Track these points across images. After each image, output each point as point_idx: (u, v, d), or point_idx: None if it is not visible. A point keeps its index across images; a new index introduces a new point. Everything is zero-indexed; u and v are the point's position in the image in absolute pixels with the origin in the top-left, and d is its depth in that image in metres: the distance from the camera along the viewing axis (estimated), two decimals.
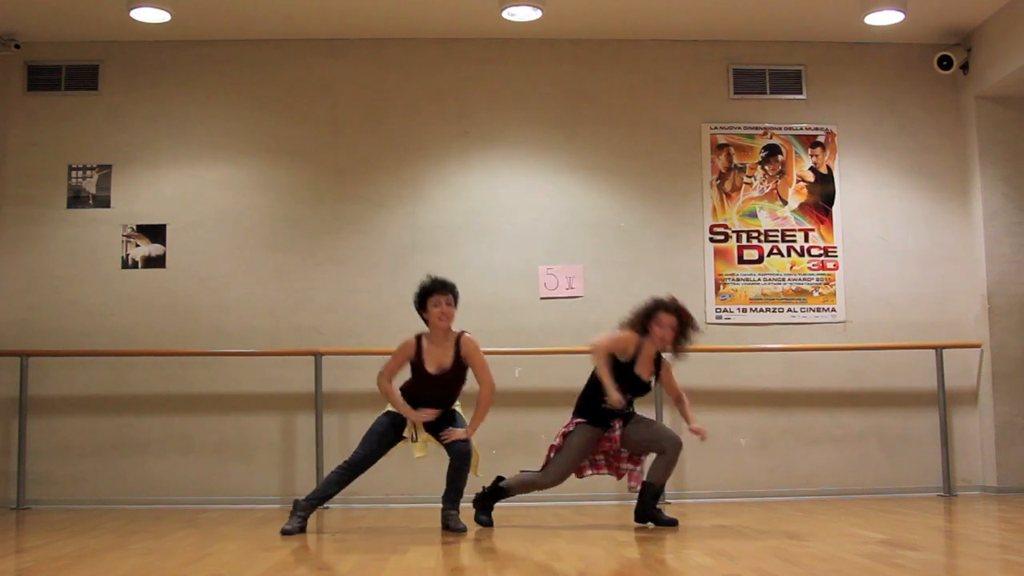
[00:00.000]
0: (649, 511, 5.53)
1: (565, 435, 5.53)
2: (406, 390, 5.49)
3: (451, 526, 5.35)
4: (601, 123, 7.55)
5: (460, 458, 5.38)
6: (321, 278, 7.32)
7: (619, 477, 5.63)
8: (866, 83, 7.69)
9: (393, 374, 5.48)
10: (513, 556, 4.46)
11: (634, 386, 5.54)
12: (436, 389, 5.45)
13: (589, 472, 5.65)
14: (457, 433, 5.37)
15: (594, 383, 5.51)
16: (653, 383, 5.69)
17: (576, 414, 5.57)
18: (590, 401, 5.52)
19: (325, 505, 6.87)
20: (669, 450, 5.50)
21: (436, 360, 5.43)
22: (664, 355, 5.63)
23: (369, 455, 5.42)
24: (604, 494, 6.89)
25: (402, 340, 5.51)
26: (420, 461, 5.56)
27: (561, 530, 5.43)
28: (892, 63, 7.70)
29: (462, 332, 5.49)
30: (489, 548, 4.72)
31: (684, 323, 5.49)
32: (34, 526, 5.87)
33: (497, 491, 5.63)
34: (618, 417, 5.52)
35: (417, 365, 5.45)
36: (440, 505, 5.46)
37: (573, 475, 5.58)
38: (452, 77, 7.56)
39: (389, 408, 5.51)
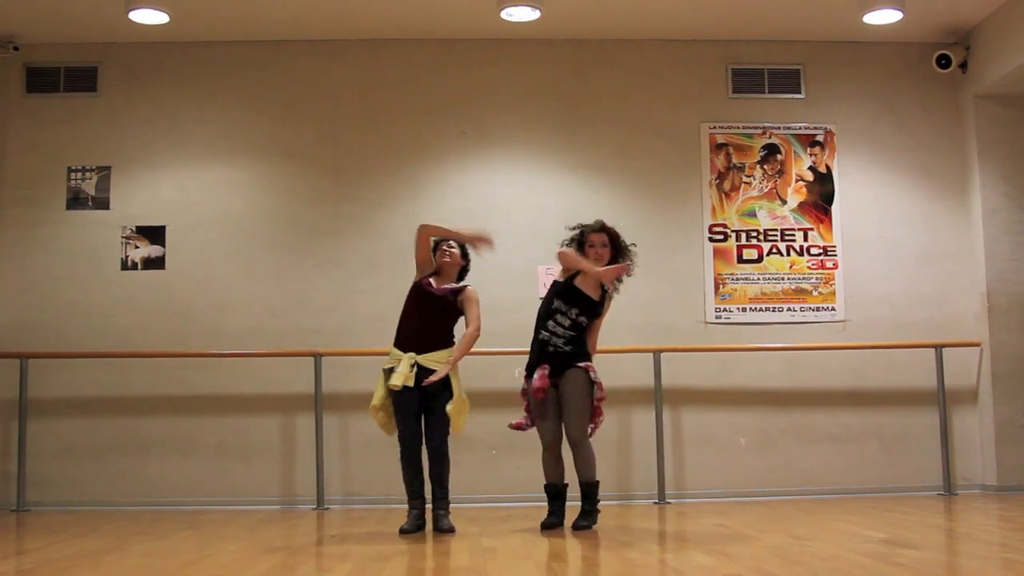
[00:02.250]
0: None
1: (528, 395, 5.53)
2: (400, 325, 5.51)
3: (439, 526, 5.36)
4: (600, 123, 7.54)
5: (437, 458, 5.38)
6: (321, 279, 7.31)
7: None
8: (865, 82, 7.68)
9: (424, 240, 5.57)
10: (514, 556, 4.45)
11: (577, 299, 5.47)
12: (427, 313, 5.46)
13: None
14: (435, 377, 5.31)
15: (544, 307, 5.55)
16: (604, 306, 5.58)
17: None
18: (539, 318, 5.54)
19: (325, 506, 6.89)
20: (572, 448, 5.38)
21: (438, 283, 5.57)
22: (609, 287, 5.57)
23: (400, 427, 5.39)
24: (604, 495, 6.88)
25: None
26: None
27: (562, 530, 5.42)
28: (891, 62, 7.69)
29: (467, 284, 5.64)
30: (490, 548, 4.71)
31: (615, 239, 5.52)
32: (34, 528, 5.86)
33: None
34: (545, 363, 5.42)
35: (420, 284, 5.51)
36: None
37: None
38: (451, 77, 7.55)
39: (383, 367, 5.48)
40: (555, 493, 5.48)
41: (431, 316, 5.49)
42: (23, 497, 6.88)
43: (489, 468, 6.94)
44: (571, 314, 5.47)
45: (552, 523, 5.41)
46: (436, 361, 5.39)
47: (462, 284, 5.67)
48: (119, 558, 4.53)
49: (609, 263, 5.47)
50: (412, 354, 5.38)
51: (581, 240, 5.56)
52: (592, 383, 5.38)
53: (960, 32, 7.48)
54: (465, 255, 5.73)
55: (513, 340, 6.96)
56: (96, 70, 7.44)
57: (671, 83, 7.61)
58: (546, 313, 5.52)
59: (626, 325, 7.15)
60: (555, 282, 5.59)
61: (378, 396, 5.44)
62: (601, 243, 5.51)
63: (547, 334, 5.46)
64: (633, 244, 5.66)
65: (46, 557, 4.57)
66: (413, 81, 7.53)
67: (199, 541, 5.11)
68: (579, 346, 5.46)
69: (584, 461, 5.37)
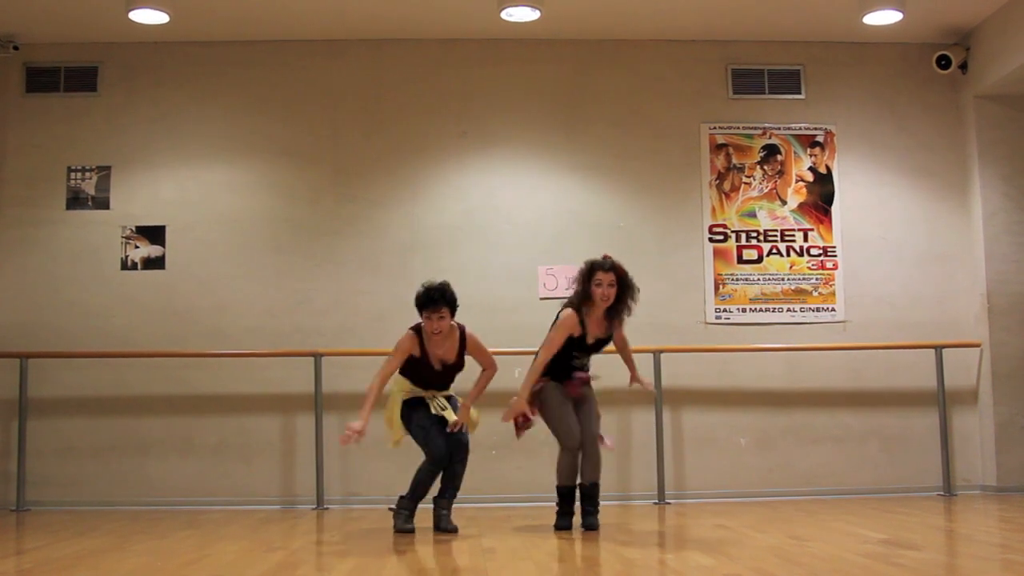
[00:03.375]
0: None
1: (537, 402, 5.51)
2: (406, 373, 5.50)
3: (443, 526, 5.37)
4: (600, 123, 7.55)
5: (464, 456, 5.46)
6: (320, 279, 7.32)
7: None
8: (865, 83, 7.69)
9: (389, 376, 5.45)
10: (514, 556, 4.46)
11: (591, 348, 5.56)
12: (436, 378, 5.51)
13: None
14: (459, 419, 5.42)
15: (561, 354, 5.49)
16: (612, 336, 5.65)
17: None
18: (557, 362, 5.49)
19: (325, 506, 6.90)
20: (587, 449, 5.45)
21: (439, 354, 5.46)
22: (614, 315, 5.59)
23: (441, 445, 5.37)
24: (606, 494, 6.89)
25: (402, 337, 5.46)
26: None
27: (569, 532, 5.42)
28: (891, 62, 7.70)
29: (463, 327, 5.52)
30: (490, 548, 4.72)
31: (622, 278, 5.50)
32: (34, 527, 5.86)
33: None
34: (581, 372, 5.53)
35: (420, 359, 5.44)
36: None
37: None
38: (451, 78, 7.55)
39: (402, 398, 5.49)
40: (570, 494, 5.48)
41: (440, 378, 5.53)
42: (23, 497, 6.89)
43: (489, 468, 6.94)
44: (589, 359, 5.60)
45: (567, 524, 5.42)
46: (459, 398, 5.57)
47: (459, 332, 5.49)
48: (119, 558, 4.54)
49: (614, 303, 5.47)
50: (435, 392, 5.52)
51: (589, 276, 5.48)
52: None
53: (960, 33, 7.48)
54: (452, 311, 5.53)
55: (513, 340, 6.97)
56: (96, 70, 7.44)
57: (671, 83, 7.61)
58: (566, 359, 5.49)
59: (626, 325, 7.15)
60: (571, 337, 5.46)
61: (435, 409, 5.45)
62: (608, 282, 5.43)
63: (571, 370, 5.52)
64: (637, 289, 5.57)
65: (46, 556, 4.58)
66: (413, 81, 7.54)
67: (199, 541, 5.12)
68: None
69: (599, 462, 5.43)
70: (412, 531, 5.34)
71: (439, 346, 5.44)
